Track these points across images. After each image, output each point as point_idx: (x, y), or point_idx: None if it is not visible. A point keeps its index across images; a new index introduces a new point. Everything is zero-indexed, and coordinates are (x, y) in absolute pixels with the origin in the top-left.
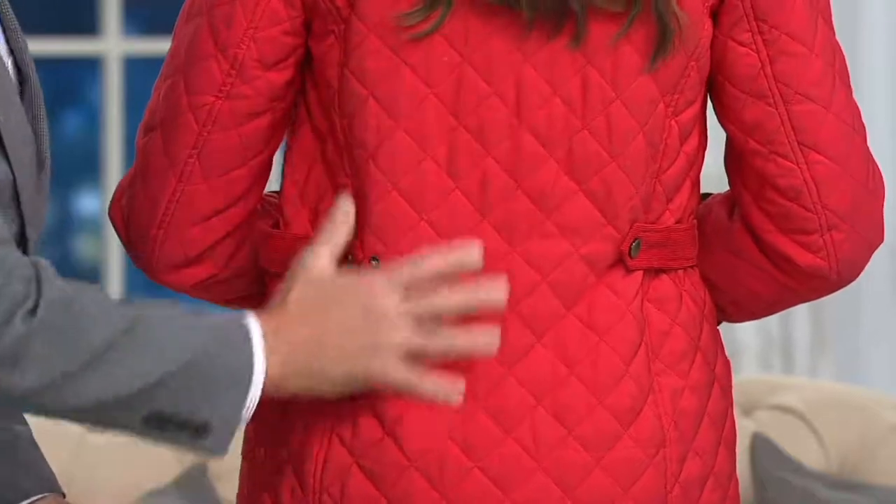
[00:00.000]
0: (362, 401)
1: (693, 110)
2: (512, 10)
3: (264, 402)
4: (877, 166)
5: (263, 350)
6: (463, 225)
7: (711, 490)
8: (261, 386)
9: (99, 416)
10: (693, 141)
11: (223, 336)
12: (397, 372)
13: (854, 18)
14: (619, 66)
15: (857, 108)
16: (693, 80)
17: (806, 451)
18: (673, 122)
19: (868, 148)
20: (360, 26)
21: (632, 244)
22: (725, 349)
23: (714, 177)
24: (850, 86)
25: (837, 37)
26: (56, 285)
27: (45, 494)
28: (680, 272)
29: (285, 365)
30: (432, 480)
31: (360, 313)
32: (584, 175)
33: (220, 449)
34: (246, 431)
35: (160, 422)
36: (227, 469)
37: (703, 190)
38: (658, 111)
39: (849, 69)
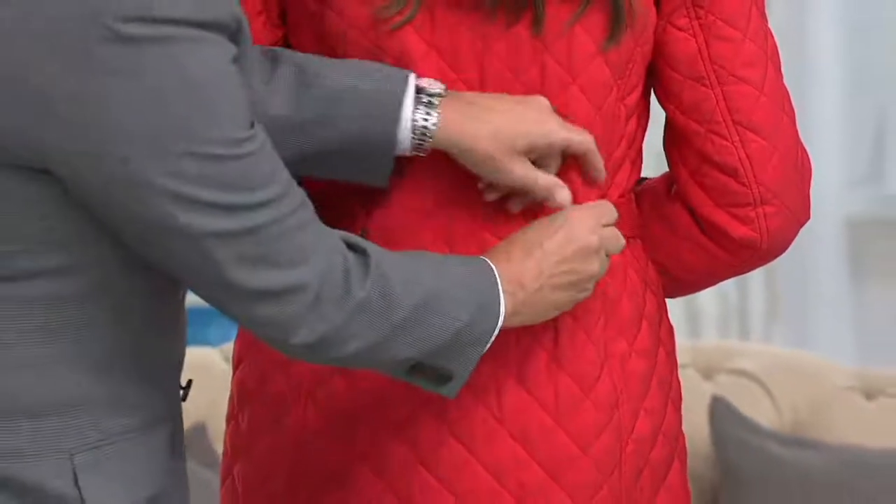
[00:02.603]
0: (329, 370)
1: (637, 94)
2: (476, 1)
3: (246, 371)
4: (804, 148)
5: (503, 303)
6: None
7: (661, 446)
8: (495, 335)
9: (374, 367)
10: (633, 122)
11: (484, 301)
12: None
13: (805, 4)
14: (574, 51)
15: (787, 91)
16: (638, 65)
17: (761, 412)
18: (621, 105)
19: (797, 130)
20: (339, 22)
21: None
22: (686, 317)
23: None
24: (780, 70)
25: (786, 29)
26: (376, 271)
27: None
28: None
29: (513, 308)
30: (414, 447)
31: (570, 251)
32: None
33: (454, 393)
34: (230, 397)
35: (417, 370)
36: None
37: (651, 167)
38: (612, 95)
39: (798, 60)
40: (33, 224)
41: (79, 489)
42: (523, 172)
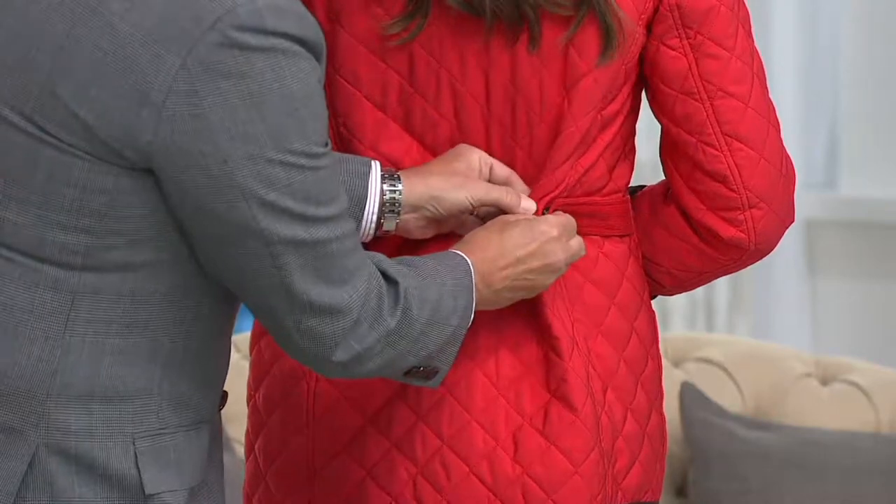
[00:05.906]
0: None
1: (615, 106)
2: (476, 18)
3: (261, 350)
4: (789, 156)
5: (475, 299)
6: None
7: (632, 424)
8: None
9: (379, 377)
10: (611, 130)
11: (467, 303)
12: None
13: (766, 22)
14: (568, 67)
15: (772, 104)
16: (621, 80)
17: (726, 397)
18: (598, 116)
19: (781, 139)
20: (349, 38)
21: (544, 210)
22: (658, 311)
23: (650, 164)
24: (766, 85)
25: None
26: (403, 298)
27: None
28: (598, 238)
29: (476, 302)
30: (416, 408)
31: (537, 265)
32: (539, 160)
33: (438, 385)
34: (248, 380)
35: (411, 373)
36: (235, 413)
37: (641, 176)
38: (595, 108)
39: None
40: (134, 221)
41: (139, 470)
42: (488, 187)
